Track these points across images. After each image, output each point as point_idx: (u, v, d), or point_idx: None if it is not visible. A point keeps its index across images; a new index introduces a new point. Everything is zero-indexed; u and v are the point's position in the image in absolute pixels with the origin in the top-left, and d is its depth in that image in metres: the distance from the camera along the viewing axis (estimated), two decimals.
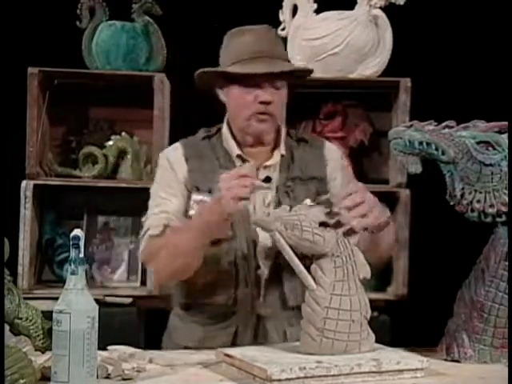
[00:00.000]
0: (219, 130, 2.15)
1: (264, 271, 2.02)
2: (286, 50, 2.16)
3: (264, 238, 2.00)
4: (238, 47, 2.05)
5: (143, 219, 2.09)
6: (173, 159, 2.10)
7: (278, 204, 2.00)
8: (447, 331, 1.83)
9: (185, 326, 2.09)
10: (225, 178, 1.82)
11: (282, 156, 2.10)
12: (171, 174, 2.08)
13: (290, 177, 2.08)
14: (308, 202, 1.81)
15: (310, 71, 2.21)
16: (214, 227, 1.86)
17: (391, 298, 3.20)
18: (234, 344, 1.98)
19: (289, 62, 2.15)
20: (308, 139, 2.18)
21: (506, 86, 3.11)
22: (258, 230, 1.98)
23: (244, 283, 2.01)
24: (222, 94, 2.11)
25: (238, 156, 2.08)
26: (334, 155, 2.17)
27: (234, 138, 2.10)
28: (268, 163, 2.09)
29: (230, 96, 2.08)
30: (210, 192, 1.99)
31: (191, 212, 2.02)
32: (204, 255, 1.94)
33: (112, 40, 3.18)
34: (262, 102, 2.01)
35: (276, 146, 2.12)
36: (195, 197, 2.01)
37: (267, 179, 2.06)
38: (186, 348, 2.02)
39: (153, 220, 2.05)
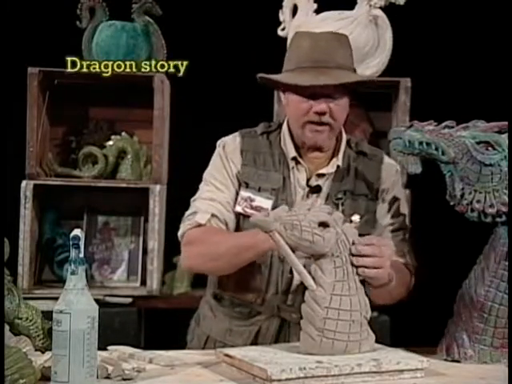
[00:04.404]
0: (279, 127, 2.13)
1: (297, 277, 2.00)
2: (351, 57, 2.05)
3: None
4: (296, 53, 2.02)
5: (192, 199, 2.08)
6: (229, 149, 2.09)
7: None
8: (447, 331, 1.84)
9: (213, 316, 2.11)
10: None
11: (338, 167, 2.07)
12: (226, 164, 2.07)
13: (342, 189, 2.05)
14: (356, 218, 1.80)
15: (373, 81, 2.15)
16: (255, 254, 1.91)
17: None
18: (254, 343, 1.99)
19: (353, 70, 2.06)
20: (367, 152, 2.14)
21: (506, 85, 3.11)
22: None
23: (275, 286, 2.01)
24: (283, 97, 2.10)
25: (294, 158, 2.06)
26: (389, 172, 2.12)
27: (293, 139, 2.08)
28: (323, 171, 2.06)
29: (288, 101, 2.06)
30: (259, 190, 2.00)
31: (237, 208, 2.02)
32: None
33: (112, 40, 3.18)
34: (316, 113, 1.99)
35: (334, 154, 2.09)
36: (243, 193, 2.01)
37: (317, 187, 2.05)
38: (208, 337, 2.05)
39: (202, 204, 2.04)
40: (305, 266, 1.70)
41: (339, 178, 2.06)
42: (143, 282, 3.25)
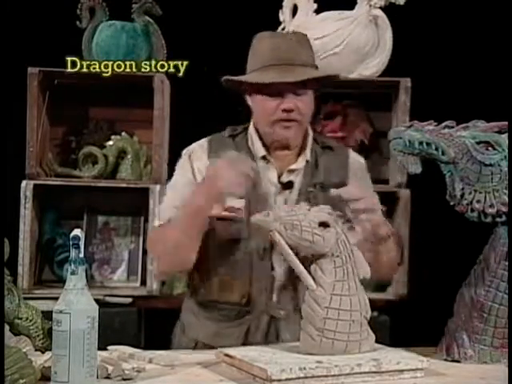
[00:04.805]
0: (245, 129, 2.15)
1: (279, 273, 2.03)
2: (312, 55, 2.09)
3: None
4: (260, 53, 2.05)
5: (156, 209, 2.12)
6: (195, 156, 2.11)
7: None
8: (447, 331, 1.84)
9: (199, 322, 2.10)
10: (222, 167, 1.86)
11: (307, 162, 2.10)
12: (189, 171, 2.09)
13: (313, 182, 2.08)
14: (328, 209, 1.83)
15: (335, 76, 2.17)
16: (202, 213, 1.90)
17: (391, 297, 3.20)
18: (244, 343, 2.00)
19: (315, 67, 2.10)
20: (333, 147, 2.18)
21: (506, 85, 3.11)
22: None
23: (258, 284, 2.02)
24: (248, 99, 2.11)
25: (263, 157, 2.09)
26: (357, 165, 2.17)
27: (261, 139, 2.11)
28: (292, 167, 2.09)
29: (254, 102, 2.08)
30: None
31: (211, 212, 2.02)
32: (219, 253, 1.99)
33: (112, 40, 3.18)
34: (284, 110, 2.01)
35: (302, 150, 2.12)
36: None
37: (289, 183, 2.07)
38: (197, 343, 2.05)
39: (162, 212, 2.08)
40: (305, 267, 1.70)
41: (309, 173, 2.09)
42: (143, 282, 3.25)
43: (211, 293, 2.06)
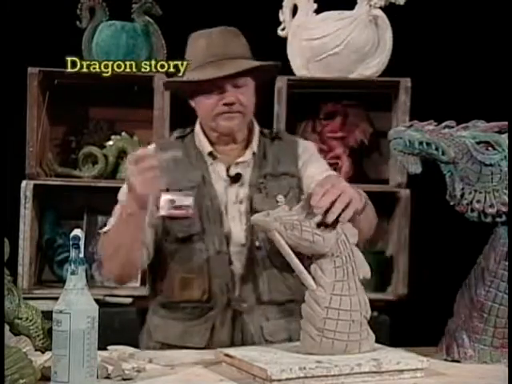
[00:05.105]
0: (193, 130, 2.18)
1: (237, 267, 2.04)
2: (247, 47, 2.11)
3: (237, 234, 2.04)
4: (193, 53, 2.09)
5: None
6: None
7: (251, 200, 2.04)
8: (447, 331, 1.84)
9: (164, 324, 2.09)
10: (127, 166, 1.86)
11: (254, 154, 2.12)
12: None
13: (263, 173, 2.09)
14: (281, 198, 1.91)
15: (274, 66, 2.16)
16: (134, 211, 1.89)
17: (391, 298, 3.20)
18: (211, 339, 2.01)
19: (251, 59, 2.10)
20: (282, 137, 2.20)
21: (506, 85, 3.11)
22: (231, 225, 2.04)
23: (218, 279, 2.02)
24: (191, 100, 2.14)
25: (210, 154, 2.11)
26: (306, 151, 2.18)
27: (207, 136, 2.13)
28: (239, 160, 2.11)
29: (196, 101, 2.11)
30: (180, 191, 2.02)
31: (161, 212, 2.03)
32: (176, 252, 2.02)
33: (112, 40, 3.18)
34: (225, 104, 2.04)
35: (248, 143, 2.14)
36: (163, 197, 2.02)
37: (238, 176, 2.09)
38: (163, 345, 2.04)
39: (110, 220, 2.09)
40: (305, 267, 1.70)
41: (258, 165, 2.11)
42: (143, 282, 3.24)
43: (172, 293, 2.06)
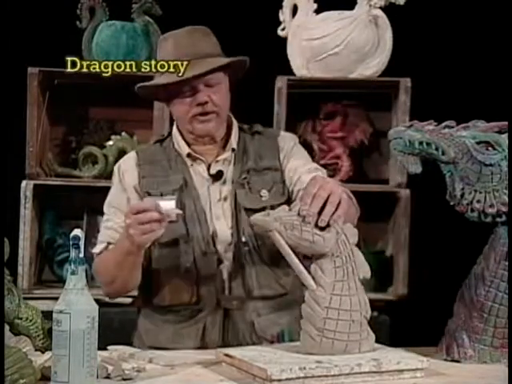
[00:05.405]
0: (170, 133, 2.17)
1: (226, 265, 2.03)
2: (216, 44, 2.10)
3: (223, 232, 2.03)
4: (164, 54, 2.10)
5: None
6: (124, 168, 2.12)
7: (235, 197, 2.04)
8: (447, 331, 1.83)
9: (157, 328, 2.09)
10: (126, 214, 1.84)
11: (233, 150, 2.11)
12: (119, 186, 2.11)
13: (245, 169, 2.08)
14: (264, 192, 1.95)
15: (243, 61, 2.12)
16: (134, 251, 1.88)
17: (391, 297, 3.20)
18: (203, 340, 2.00)
19: (221, 56, 2.08)
20: (262, 131, 2.18)
21: (506, 85, 3.11)
22: (216, 224, 2.03)
23: (206, 280, 2.02)
24: (165, 103, 2.14)
25: (189, 155, 2.10)
26: (286, 143, 2.15)
27: (184, 138, 2.12)
28: (219, 158, 2.09)
29: (170, 104, 2.10)
30: (161, 195, 2.00)
31: None
32: (162, 257, 2.01)
33: (112, 40, 3.18)
34: (198, 104, 2.03)
35: (228, 141, 2.12)
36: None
37: (219, 173, 2.08)
38: (155, 349, 2.00)
39: (100, 235, 2.09)
40: (305, 267, 1.70)
41: (239, 161, 2.10)
42: None
43: (162, 297, 2.06)
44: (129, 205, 2.03)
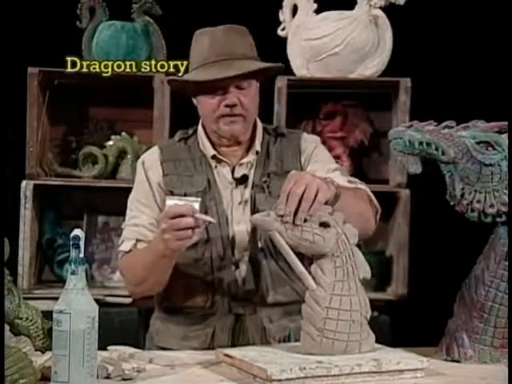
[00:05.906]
0: (195, 131, 2.14)
1: (242, 270, 2.01)
2: (252, 46, 2.06)
3: (241, 237, 2.01)
4: (199, 51, 2.04)
5: (123, 225, 2.09)
6: (148, 165, 2.10)
7: (254, 200, 2.02)
8: (447, 331, 1.84)
9: (166, 329, 2.08)
10: (161, 218, 1.82)
11: (257, 153, 2.09)
12: (146, 181, 2.08)
13: (266, 172, 2.06)
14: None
15: (279, 67, 2.11)
16: (168, 254, 1.87)
17: (391, 297, 3.20)
18: (211, 344, 1.99)
19: (256, 59, 2.06)
20: (286, 133, 2.15)
21: (506, 85, 3.11)
22: (236, 228, 2.01)
23: (222, 285, 2.01)
24: (195, 100, 2.11)
25: (214, 157, 2.08)
26: (308, 146, 2.13)
27: (209, 138, 2.09)
28: (243, 161, 2.08)
29: (199, 101, 2.07)
30: (185, 195, 1.98)
31: None
32: (180, 259, 1.96)
33: (112, 40, 3.18)
34: (227, 106, 2.00)
35: (252, 143, 2.10)
36: (169, 202, 1.93)
37: (244, 177, 2.06)
38: (164, 350, 2.01)
39: (127, 231, 2.06)
40: (305, 267, 1.70)
41: (261, 164, 2.08)
42: None
43: (176, 299, 2.05)
44: (155, 202, 2.03)
